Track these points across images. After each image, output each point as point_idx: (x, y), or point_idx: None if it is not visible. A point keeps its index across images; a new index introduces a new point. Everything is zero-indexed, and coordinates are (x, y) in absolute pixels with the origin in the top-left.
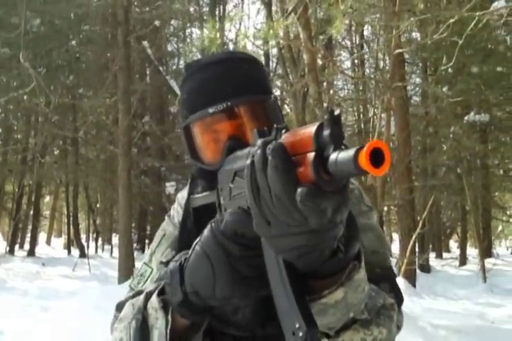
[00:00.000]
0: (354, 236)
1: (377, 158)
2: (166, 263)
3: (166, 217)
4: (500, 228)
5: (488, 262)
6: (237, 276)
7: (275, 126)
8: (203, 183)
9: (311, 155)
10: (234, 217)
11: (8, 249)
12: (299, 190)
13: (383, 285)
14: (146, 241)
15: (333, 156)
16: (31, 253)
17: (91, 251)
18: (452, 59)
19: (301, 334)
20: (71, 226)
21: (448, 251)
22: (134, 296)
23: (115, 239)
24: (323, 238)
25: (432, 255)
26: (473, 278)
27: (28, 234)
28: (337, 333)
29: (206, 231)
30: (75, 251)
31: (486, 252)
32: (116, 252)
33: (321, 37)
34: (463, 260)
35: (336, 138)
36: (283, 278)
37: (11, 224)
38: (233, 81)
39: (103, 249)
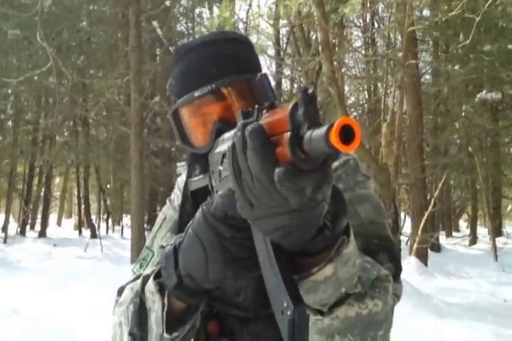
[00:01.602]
0: (341, 212)
1: (348, 135)
2: (165, 248)
3: (167, 201)
4: (509, 207)
5: (499, 241)
6: (229, 258)
7: (256, 106)
8: (199, 167)
9: (287, 134)
10: (223, 199)
11: (19, 229)
12: (276, 170)
13: (381, 256)
14: None
15: (307, 135)
16: (42, 234)
17: (102, 231)
18: (465, 36)
19: (289, 312)
20: (82, 207)
21: (457, 230)
22: (134, 280)
23: (125, 220)
24: (306, 217)
25: (442, 234)
26: (484, 257)
27: (39, 215)
28: (330, 309)
29: (198, 214)
30: (86, 232)
31: (497, 231)
32: (126, 233)
33: (332, 16)
34: (473, 239)
35: (311, 116)
36: (270, 258)
37: (22, 205)
38: (218, 62)
39: (113, 230)
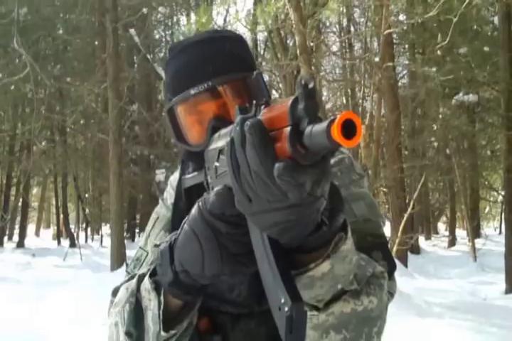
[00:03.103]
0: (338, 208)
1: (349, 129)
2: (160, 246)
3: (160, 200)
4: (487, 209)
5: (478, 242)
6: (225, 254)
7: (254, 102)
8: (193, 164)
9: (287, 129)
10: (219, 195)
11: None
12: (276, 165)
13: (375, 253)
14: (136, 230)
15: (307, 129)
16: (21, 244)
17: (81, 241)
18: (441, 38)
19: (286, 309)
20: (60, 217)
21: (436, 233)
22: (128, 280)
23: (105, 229)
24: (304, 212)
25: (421, 237)
26: (463, 258)
27: (17, 226)
28: (326, 305)
29: (194, 210)
30: (65, 242)
31: (475, 232)
32: (105, 242)
33: (308, 21)
34: (452, 241)
35: (311, 111)
36: (267, 253)
37: None
38: (214, 60)
39: (93, 239)
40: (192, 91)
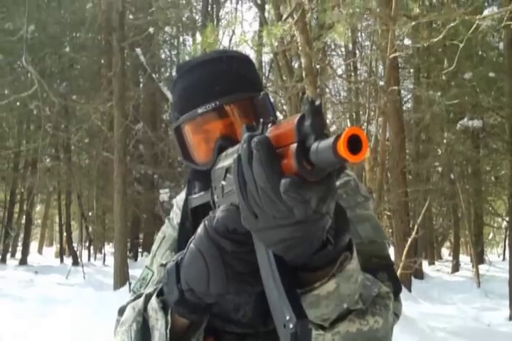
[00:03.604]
0: (343, 228)
1: (355, 145)
2: (166, 265)
3: (166, 220)
4: (491, 235)
5: (481, 268)
6: (231, 272)
7: (261, 120)
8: (199, 184)
9: (294, 146)
10: (225, 213)
11: (0, 257)
12: (283, 181)
13: (381, 275)
14: (139, 249)
15: (314, 146)
16: (23, 261)
17: (84, 259)
18: (447, 63)
19: (291, 326)
20: (63, 235)
21: (440, 258)
22: (135, 299)
23: (107, 248)
24: (310, 229)
25: (425, 262)
26: (467, 284)
27: (20, 243)
28: (332, 324)
29: (200, 229)
30: (68, 260)
31: (479, 258)
32: (108, 260)
33: (314, 43)
34: (456, 266)
35: (318, 127)
36: (273, 270)
37: (3, 233)
38: (222, 80)
39: (95, 258)
40: (199, 110)
